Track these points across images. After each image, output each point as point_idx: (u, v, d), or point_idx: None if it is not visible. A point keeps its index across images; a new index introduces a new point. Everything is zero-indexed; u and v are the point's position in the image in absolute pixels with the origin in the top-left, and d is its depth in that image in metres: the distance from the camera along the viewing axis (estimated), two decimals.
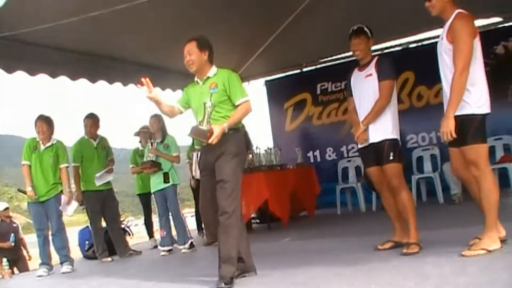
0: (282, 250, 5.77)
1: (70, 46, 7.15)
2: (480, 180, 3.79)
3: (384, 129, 4.54)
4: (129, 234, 8.25)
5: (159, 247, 6.99)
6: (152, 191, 6.95)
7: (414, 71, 9.51)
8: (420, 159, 8.75)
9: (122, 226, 7.78)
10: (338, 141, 10.43)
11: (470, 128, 3.78)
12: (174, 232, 6.98)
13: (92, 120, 7.17)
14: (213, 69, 4.34)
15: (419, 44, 9.75)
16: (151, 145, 6.84)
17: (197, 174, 6.80)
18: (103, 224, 7.15)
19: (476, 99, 3.81)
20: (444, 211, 7.17)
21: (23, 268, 9.08)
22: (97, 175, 6.90)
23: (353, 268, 3.97)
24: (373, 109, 4.54)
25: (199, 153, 6.32)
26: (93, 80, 7.77)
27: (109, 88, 8.86)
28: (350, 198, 9.35)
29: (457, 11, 3.87)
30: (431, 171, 8.47)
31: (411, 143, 9.41)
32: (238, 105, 4.23)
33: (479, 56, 3.87)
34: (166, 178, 6.79)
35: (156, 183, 6.86)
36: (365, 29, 4.67)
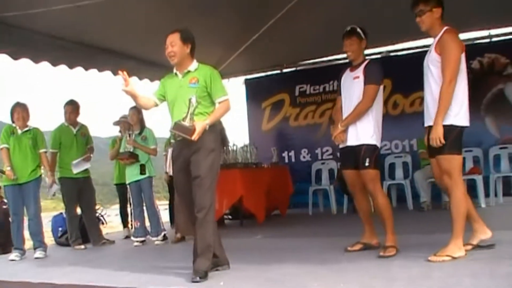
0: (255, 246, 5.89)
1: (54, 33, 7.13)
2: (452, 190, 3.97)
3: (363, 133, 4.56)
4: (103, 223, 8.27)
5: (132, 237, 7.05)
6: (127, 182, 6.98)
7: (392, 79, 9.68)
8: (392, 166, 8.96)
9: (97, 214, 7.80)
10: (314, 143, 10.59)
11: (448, 139, 3.91)
12: (147, 224, 7.05)
13: (72, 107, 7.16)
14: (194, 63, 4.34)
15: (398, 53, 9.94)
16: (129, 136, 6.88)
17: (170, 170, 6.86)
18: (78, 211, 7.18)
19: (457, 111, 3.96)
20: (413, 217, 7.37)
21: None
22: (74, 162, 6.92)
23: (323, 267, 4.11)
24: (353, 112, 4.57)
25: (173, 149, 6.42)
26: (85, 67, 7.84)
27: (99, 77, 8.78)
28: (322, 199, 9.52)
29: (446, 27, 4.05)
30: (402, 178, 8.70)
31: (384, 149, 9.60)
32: (218, 102, 4.25)
33: (464, 70, 4.02)
34: (142, 170, 6.86)
35: (132, 174, 6.91)
36: (358, 30, 4.70)
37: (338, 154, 5.10)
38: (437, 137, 3.91)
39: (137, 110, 6.91)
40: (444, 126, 3.91)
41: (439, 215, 7.30)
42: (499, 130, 8.92)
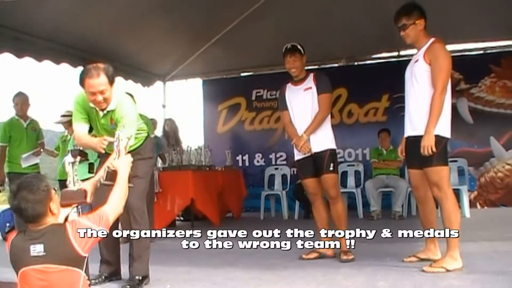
0: (204, 249, 5.83)
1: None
2: (442, 201, 3.93)
3: (325, 139, 4.70)
4: None
5: None
6: None
7: (347, 88, 9.83)
8: (344, 174, 9.04)
9: None
10: (268, 148, 10.64)
11: (436, 150, 3.89)
12: None
13: (22, 98, 7.00)
14: (114, 100, 3.78)
15: (355, 63, 10.09)
16: None
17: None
18: None
19: (443, 122, 3.97)
20: (363, 226, 7.43)
21: None
22: (24, 156, 6.74)
23: (271, 273, 4.12)
24: (314, 121, 4.64)
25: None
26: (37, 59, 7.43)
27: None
28: (274, 204, 9.57)
29: (433, 38, 4.05)
30: (354, 186, 8.80)
31: (338, 158, 9.70)
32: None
33: (449, 82, 4.04)
34: (91, 169, 6.68)
35: (80, 172, 6.74)
36: (299, 47, 4.77)
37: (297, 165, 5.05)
38: (429, 145, 3.87)
39: None
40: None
41: (388, 224, 7.41)
42: (450, 144, 9.12)
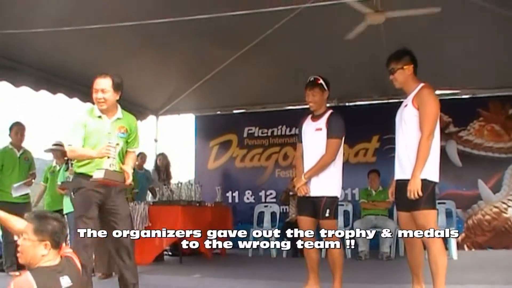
0: (192, 285, 5.82)
1: None
2: (429, 244, 3.93)
3: (325, 185, 4.60)
4: None
5: None
6: (65, 212, 6.80)
7: None
8: None
9: None
10: (258, 185, 10.65)
11: (423, 194, 3.90)
12: None
13: (19, 127, 7.06)
14: (119, 110, 4.29)
15: (346, 103, 10.21)
16: (71, 165, 6.71)
17: None
18: (15, 237, 6.91)
19: (431, 166, 4.00)
20: (351, 266, 7.43)
21: None
22: (15, 185, 6.72)
23: None
24: (316, 164, 4.58)
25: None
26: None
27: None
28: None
29: (422, 83, 4.11)
30: (343, 226, 8.80)
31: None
32: (131, 151, 4.32)
33: (438, 126, 4.09)
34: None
35: (71, 204, 6.75)
36: (321, 81, 4.72)
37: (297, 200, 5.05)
38: (415, 190, 3.89)
39: None
40: (420, 180, 3.91)
41: (376, 265, 7.43)
42: (437, 186, 9.18)
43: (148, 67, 8.42)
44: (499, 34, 7.55)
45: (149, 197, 9.48)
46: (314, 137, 4.69)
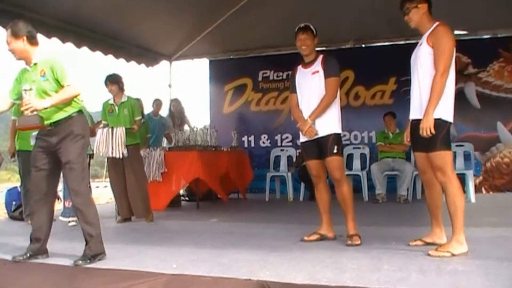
0: (209, 230, 5.87)
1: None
2: (446, 186, 3.92)
3: (330, 123, 4.65)
4: (58, 199, 8.08)
5: (60, 217, 6.74)
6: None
7: (354, 71, 9.78)
8: (350, 157, 9.03)
9: None
10: (274, 129, 10.63)
11: (439, 134, 3.87)
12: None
13: None
14: (36, 54, 4.17)
15: (362, 45, 10.02)
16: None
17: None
18: None
19: (446, 105, 3.94)
20: (368, 209, 7.45)
21: None
22: (34, 134, 6.68)
23: (276, 255, 4.13)
24: (320, 105, 4.62)
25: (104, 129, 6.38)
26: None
27: None
28: (279, 186, 9.58)
29: (437, 22, 4.03)
30: (360, 169, 8.79)
31: (344, 140, 9.67)
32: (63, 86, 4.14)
33: (453, 65, 3.99)
34: None
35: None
36: (311, 27, 4.76)
37: (299, 144, 5.08)
38: (427, 127, 3.86)
39: None
40: (435, 120, 3.87)
41: (393, 207, 7.44)
42: (456, 128, 9.09)
43: (160, 12, 8.27)
44: None
45: (165, 143, 9.50)
46: (312, 81, 4.72)
